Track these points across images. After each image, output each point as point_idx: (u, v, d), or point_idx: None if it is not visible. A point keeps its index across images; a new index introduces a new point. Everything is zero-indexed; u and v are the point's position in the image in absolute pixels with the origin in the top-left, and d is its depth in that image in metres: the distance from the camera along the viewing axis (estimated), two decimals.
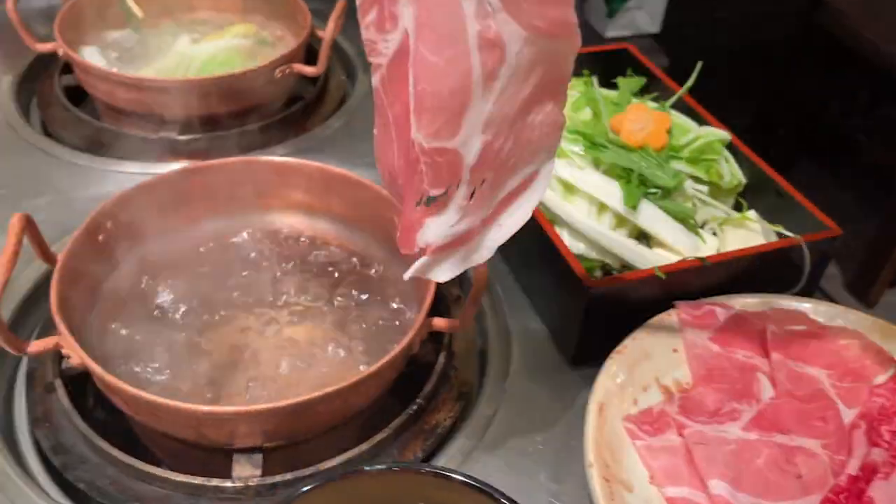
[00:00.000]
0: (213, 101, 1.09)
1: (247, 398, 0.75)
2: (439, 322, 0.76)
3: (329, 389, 0.66)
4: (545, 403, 0.79)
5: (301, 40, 1.15)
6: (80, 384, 0.78)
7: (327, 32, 1.13)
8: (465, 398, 0.80)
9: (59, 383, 0.76)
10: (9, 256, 0.67)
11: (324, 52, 1.13)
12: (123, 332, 0.80)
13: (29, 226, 0.73)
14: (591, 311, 0.77)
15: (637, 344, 0.76)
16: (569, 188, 0.89)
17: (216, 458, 0.71)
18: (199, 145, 1.09)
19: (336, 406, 0.70)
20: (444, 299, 0.86)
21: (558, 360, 0.83)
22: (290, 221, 0.93)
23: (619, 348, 0.75)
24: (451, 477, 0.55)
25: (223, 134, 1.11)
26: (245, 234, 0.91)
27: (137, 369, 0.76)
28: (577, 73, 1.06)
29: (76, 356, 0.69)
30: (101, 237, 0.81)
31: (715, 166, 0.91)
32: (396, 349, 0.71)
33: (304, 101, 1.20)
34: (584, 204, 0.88)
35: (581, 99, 0.98)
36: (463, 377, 0.81)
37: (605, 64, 1.07)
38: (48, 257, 0.76)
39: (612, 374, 0.73)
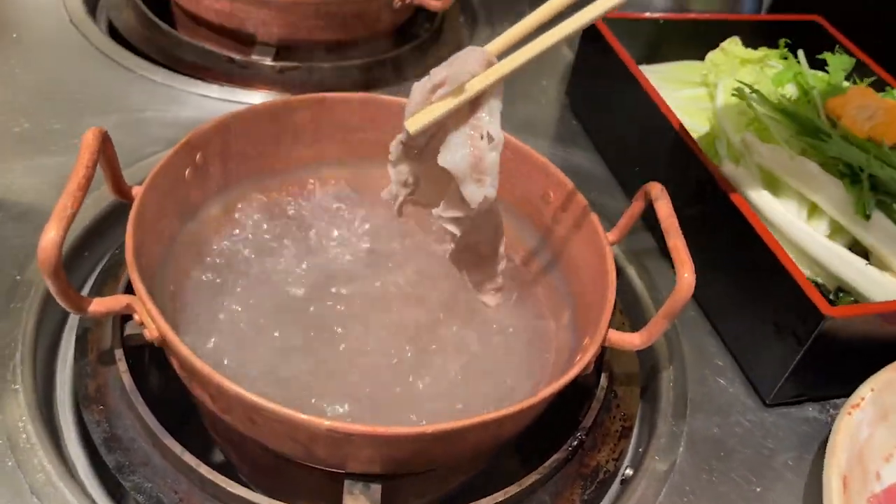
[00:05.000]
0: (317, 25, 0.90)
1: (368, 413, 0.57)
2: (619, 337, 0.58)
3: (492, 415, 0.49)
4: (738, 455, 0.61)
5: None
6: (147, 356, 0.61)
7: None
8: (627, 435, 0.62)
9: (119, 354, 0.58)
10: (80, 181, 0.50)
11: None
12: (200, 300, 0.62)
13: (105, 146, 0.55)
14: (819, 344, 0.59)
15: (875, 399, 0.58)
16: (772, 181, 0.71)
17: (320, 482, 0.54)
18: (294, 76, 0.91)
19: (489, 434, 0.52)
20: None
21: (746, 396, 0.65)
22: None
23: (853, 401, 0.57)
24: None
25: (322, 66, 0.92)
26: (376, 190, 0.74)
27: (210, 345, 0.59)
28: (768, 43, 0.87)
29: (153, 328, 0.51)
30: (188, 171, 0.63)
31: None
32: (574, 369, 0.53)
33: (418, 40, 1.01)
34: (790, 203, 0.69)
35: (785, 73, 0.79)
36: (625, 408, 0.64)
37: (788, 36, 0.88)
38: (122, 190, 0.59)
39: (851, 434, 0.55)
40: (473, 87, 0.52)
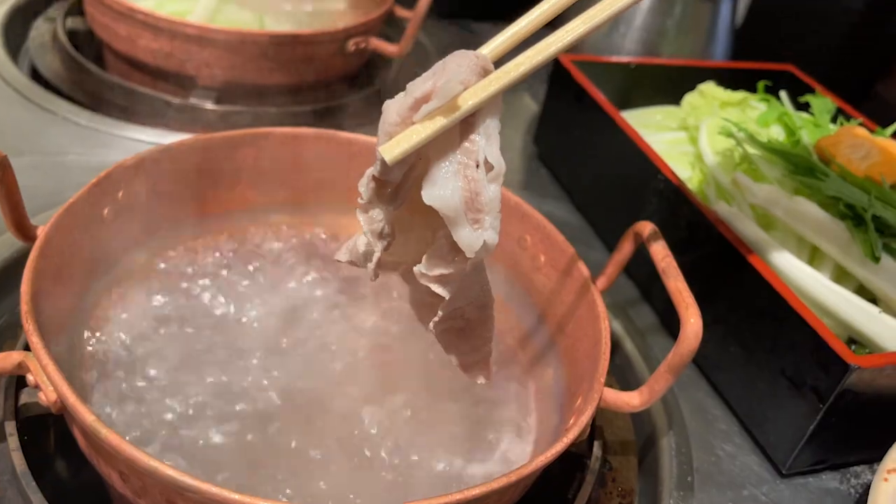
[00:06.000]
0: (264, 66, 0.83)
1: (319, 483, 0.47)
2: (616, 397, 0.49)
3: (473, 492, 0.39)
4: None
5: (382, 11, 0.90)
6: (41, 431, 0.50)
7: (419, 7, 0.88)
8: None
9: (10, 428, 0.47)
10: None
11: (411, 30, 0.88)
12: (118, 351, 0.52)
13: (4, 173, 0.46)
14: (844, 400, 0.51)
15: None
16: (767, 223, 0.64)
17: None
18: (237, 121, 0.83)
19: None
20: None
21: (759, 465, 0.57)
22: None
23: (889, 465, 0.49)
24: None
25: (269, 111, 0.85)
26: (307, 235, 0.65)
27: (132, 413, 0.48)
28: (742, 87, 0.82)
29: (50, 390, 0.41)
30: (106, 211, 0.54)
31: None
32: (568, 436, 0.44)
33: (372, 88, 0.95)
34: (789, 245, 0.63)
35: (770, 113, 0.74)
36: (622, 482, 0.55)
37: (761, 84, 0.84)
38: (23, 229, 0.49)
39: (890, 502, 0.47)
40: (465, 101, 0.40)
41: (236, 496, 0.36)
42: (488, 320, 0.48)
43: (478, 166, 0.41)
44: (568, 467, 0.55)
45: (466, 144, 0.41)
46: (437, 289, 0.44)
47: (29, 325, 0.42)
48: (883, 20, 1.06)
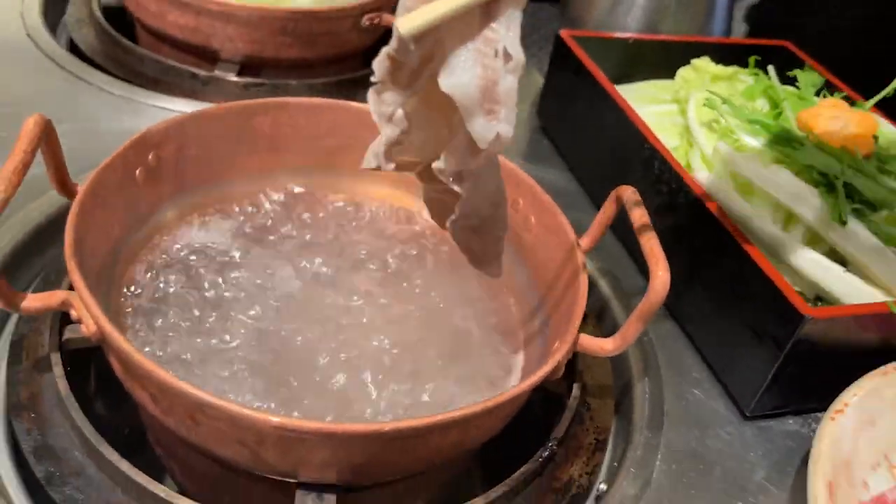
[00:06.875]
0: (283, 42, 0.88)
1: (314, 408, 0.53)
2: (591, 342, 0.55)
3: (454, 414, 0.45)
4: (718, 468, 0.57)
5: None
6: (83, 364, 0.57)
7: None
8: (602, 448, 0.59)
9: (56, 359, 0.54)
10: (16, 165, 0.47)
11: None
12: (149, 300, 0.58)
13: (48, 134, 0.52)
14: (799, 348, 0.56)
15: (859, 405, 0.55)
16: (746, 190, 0.69)
17: (271, 494, 0.50)
18: (258, 92, 0.89)
19: (451, 438, 0.49)
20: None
21: (725, 409, 0.62)
22: (375, 191, 0.73)
23: (836, 407, 0.54)
24: None
25: (289, 83, 0.90)
26: (329, 198, 0.71)
27: (160, 354, 0.55)
28: (739, 63, 0.86)
29: (90, 322, 0.47)
30: (138, 171, 0.60)
31: None
32: (545, 368, 0.50)
33: None
34: (765, 211, 0.68)
35: (756, 87, 0.79)
36: (599, 420, 0.60)
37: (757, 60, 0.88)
38: (65, 186, 0.55)
39: (836, 441, 0.52)
40: None
41: (248, 411, 0.43)
42: (501, 219, 0.51)
43: (496, 55, 0.40)
44: (550, 407, 0.61)
45: (487, 33, 0.40)
46: (454, 186, 0.45)
47: (72, 265, 0.48)
48: None
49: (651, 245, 0.54)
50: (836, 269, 0.63)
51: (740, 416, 0.62)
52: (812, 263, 0.64)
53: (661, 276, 0.51)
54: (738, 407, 0.62)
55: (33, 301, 0.49)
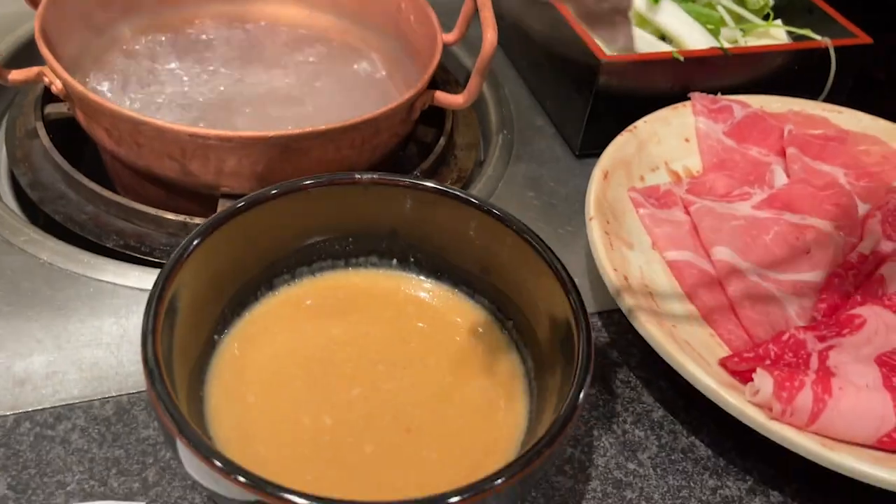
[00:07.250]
0: None
1: None
2: (443, 96, 0.72)
3: (321, 127, 0.63)
4: (548, 185, 0.75)
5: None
6: (63, 133, 0.75)
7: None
8: (463, 182, 0.77)
9: (40, 126, 0.72)
10: None
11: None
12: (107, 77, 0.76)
13: None
14: (602, 88, 0.73)
15: (648, 127, 0.72)
16: None
17: (200, 203, 0.68)
18: None
19: (328, 152, 0.66)
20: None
21: (563, 151, 0.80)
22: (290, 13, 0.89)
23: (629, 127, 0.72)
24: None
25: None
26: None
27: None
28: None
29: (58, 82, 0.65)
30: None
31: None
32: (399, 100, 0.67)
33: None
34: None
35: None
36: (462, 164, 0.78)
37: None
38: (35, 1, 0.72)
39: (620, 146, 0.69)
40: None
41: (170, 124, 0.60)
42: None
43: None
44: (420, 151, 0.78)
45: None
46: None
47: (39, 40, 0.65)
48: None
49: (486, 15, 0.70)
50: (649, 37, 0.80)
51: (572, 155, 0.79)
52: (640, 40, 0.80)
53: (489, 37, 0.68)
54: (570, 147, 0.79)
55: (17, 74, 0.67)
